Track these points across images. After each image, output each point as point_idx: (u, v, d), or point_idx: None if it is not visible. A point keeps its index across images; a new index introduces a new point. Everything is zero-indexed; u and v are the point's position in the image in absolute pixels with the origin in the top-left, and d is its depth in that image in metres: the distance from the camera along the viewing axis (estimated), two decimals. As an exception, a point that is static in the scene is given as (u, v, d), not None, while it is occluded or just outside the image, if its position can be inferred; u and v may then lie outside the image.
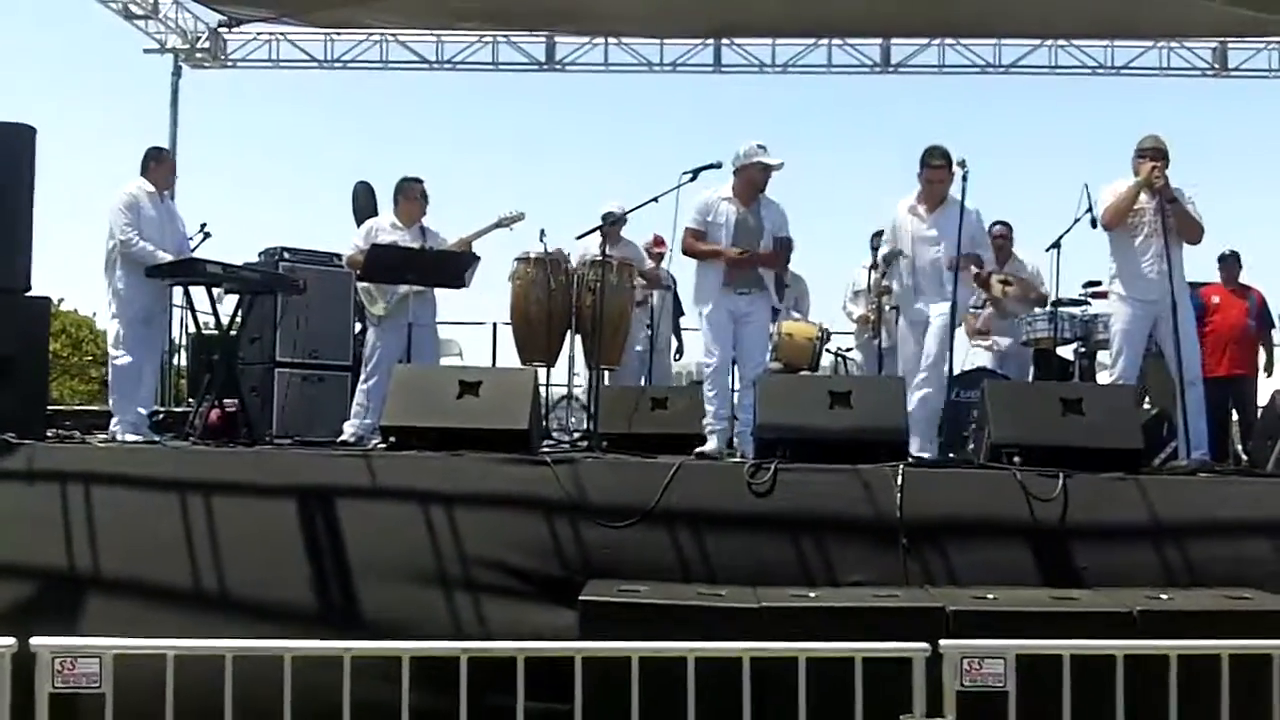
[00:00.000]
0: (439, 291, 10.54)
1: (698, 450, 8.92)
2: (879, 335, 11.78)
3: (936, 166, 9.33)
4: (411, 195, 10.60)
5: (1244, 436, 10.97)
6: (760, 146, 9.38)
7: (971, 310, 11.51)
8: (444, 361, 12.84)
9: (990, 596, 6.42)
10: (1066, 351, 11.55)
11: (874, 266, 12.14)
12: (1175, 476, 7.99)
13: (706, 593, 6.47)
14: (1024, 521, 7.08)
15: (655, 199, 9.33)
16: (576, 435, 10.84)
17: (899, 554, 6.95)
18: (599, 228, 10.50)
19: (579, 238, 10.76)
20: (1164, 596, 6.46)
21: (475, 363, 15.36)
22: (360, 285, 10.55)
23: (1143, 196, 9.01)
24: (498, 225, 10.58)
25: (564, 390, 13.12)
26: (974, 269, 9.39)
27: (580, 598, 6.32)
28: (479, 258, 10.52)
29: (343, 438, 10.08)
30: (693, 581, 6.85)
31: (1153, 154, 9.03)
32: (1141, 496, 7.17)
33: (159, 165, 10.08)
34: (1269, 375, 12.28)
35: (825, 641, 5.05)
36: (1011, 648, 4.87)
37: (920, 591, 6.67)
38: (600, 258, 10.43)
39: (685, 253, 9.59)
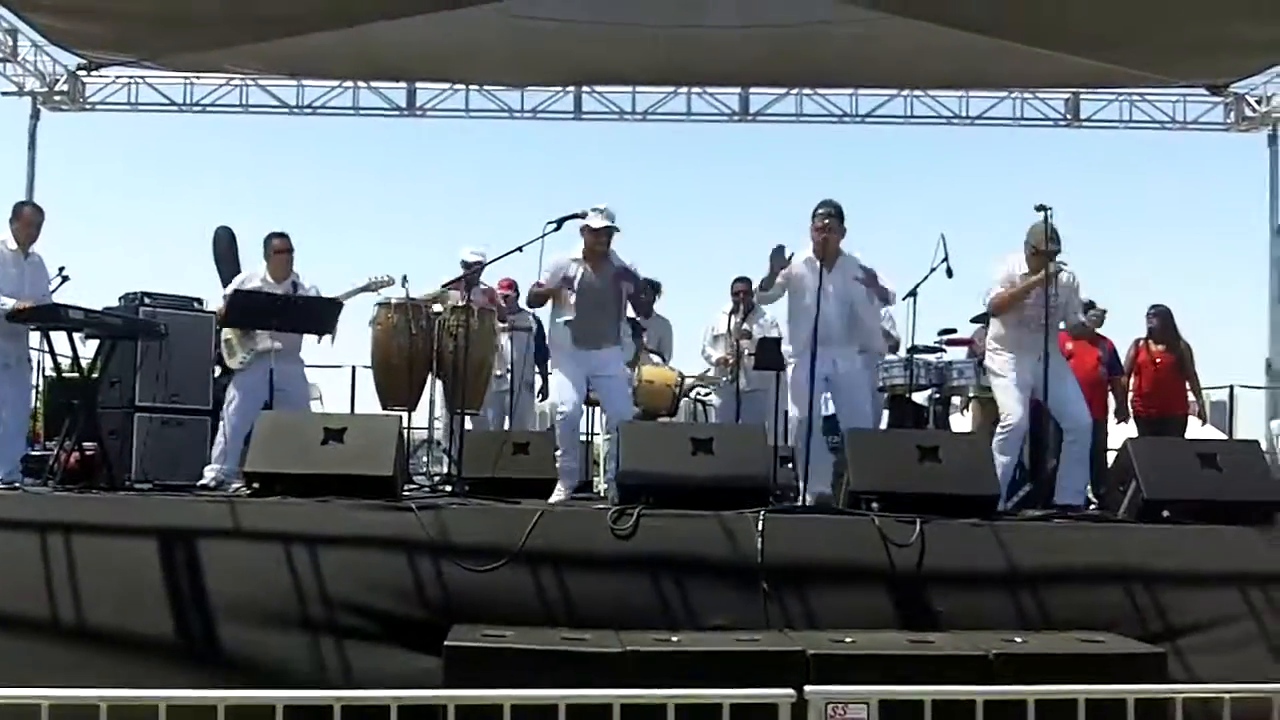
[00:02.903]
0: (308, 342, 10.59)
1: (552, 500, 9.04)
2: (737, 379, 11.95)
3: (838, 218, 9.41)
4: (278, 251, 10.61)
5: (1095, 481, 11.21)
6: (596, 210, 9.52)
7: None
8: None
9: (849, 640, 6.53)
10: (921, 397, 11.77)
11: (733, 311, 12.35)
12: (1029, 522, 8.16)
13: (571, 637, 6.53)
14: (882, 566, 7.21)
15: (520, 248, 9.38)
16: (439, 480, 10.84)
17: (760, 598, 7.05)
18: (463, 275, 10.55)
19: (445, 286, 10.82)
20: (1018, 640, 6.61)
21: (334, 406, 15.34)
22: (223, 337, 10.52)
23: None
24: (367, 288, 10.59)
25: (425, 434, 13.12)
26: None
27: (445, 643, 6.34)
28: (341, 304, 10.49)
29: (202, 482, 10.02)
30: (557, 625, 6.88)
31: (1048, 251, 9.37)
32: (996, 541, 7.34)
33: (18, 221, 10.03)
34: (1119, 421, 12.59)
35: (688, 685, 5.10)
36: (875, 693, 4.97)
37: (780, 635, 6.78)
38: (463, 303, 10.46)
39: (530, 303, 10.02)
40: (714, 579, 7.16)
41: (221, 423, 10.41)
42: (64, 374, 10.27)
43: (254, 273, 10.75)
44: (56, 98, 17.21)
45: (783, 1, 13.14)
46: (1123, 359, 12.77)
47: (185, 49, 15.62)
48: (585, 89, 17.56)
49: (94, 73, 17.05)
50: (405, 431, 9.35)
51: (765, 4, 13.37)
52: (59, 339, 9.90)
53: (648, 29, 14.26)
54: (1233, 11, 13.07)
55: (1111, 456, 10.04)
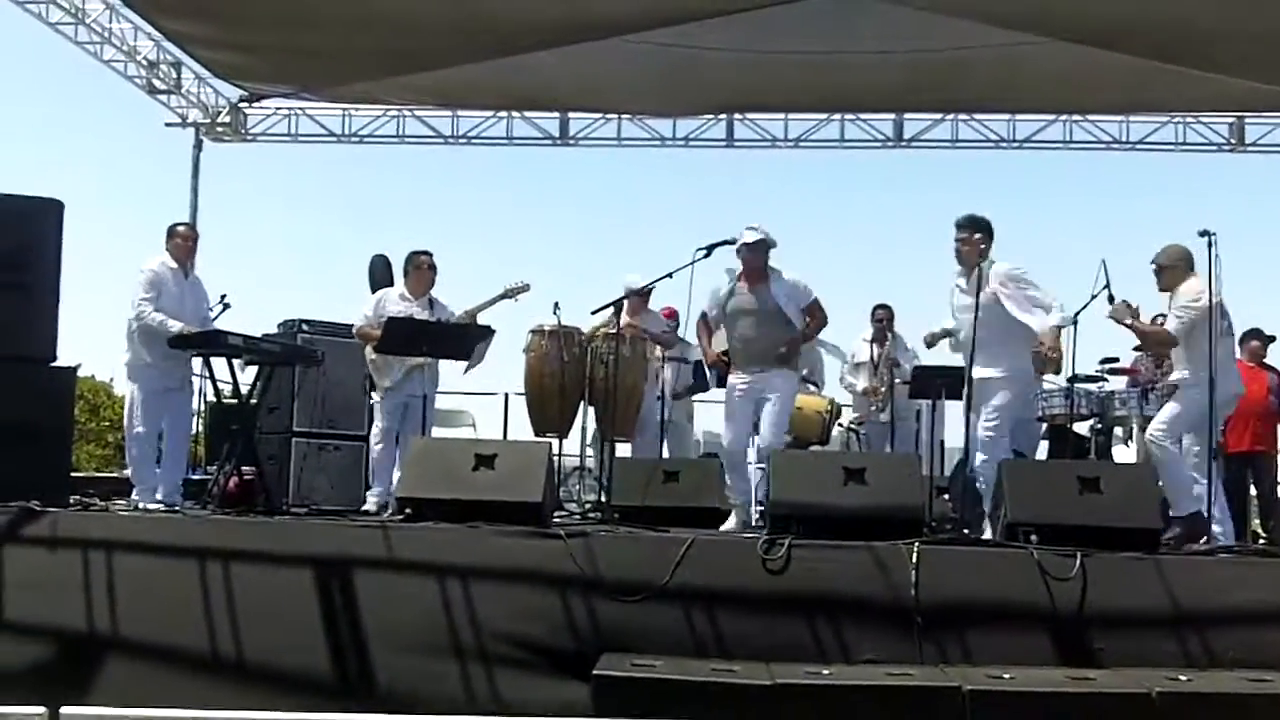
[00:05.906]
0: (446, 362, 10.69)
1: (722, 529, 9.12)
2: (891, 408, 11.84)
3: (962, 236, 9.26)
4: (421, 267, 10.72)
5: (1263, 513, 10.91)
6: (749, 228, 9.47)
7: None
8: (457, 433, 12.88)
9: (1006, 676, 6.37)
10: (1082, 428, 11.53)
11: (875, 340, 12.30)
12: (1194, 557, 7.93)
13: (720, 669, 6.45)
14: (1040, 601, 7.00)
15: (670, 274, 9.39)
16: (589, 507, 10.82)
17: (914, 632, 6.89)
18: (615, 301, 10.56)
19: (594, 312, 10.81)
20: (1183, 678, 6.40)
21: (487, 434, 15.41)
22: (370, 358, 10.60)
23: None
24: (504, 296, 10.65)
25: (577, 461, 13.12)
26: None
27: (594, 672, 6.32)
28: (493, 331, 10.58)
29: (365, 507, 10.19)
30: (706, 657, 6.79)
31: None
32: (1160, 577, 7.10)
33: (177, 240, 10.20)
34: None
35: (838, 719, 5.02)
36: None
37: (935, 670, 6.63)
38: (614, 330, 10.45)
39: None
40: (866, 611, 7.00)
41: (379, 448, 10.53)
42: (224, 399, 10.44)
43: (386, 293, 10.84)
44: (219, 128, 17.51)
45: (927, 26, 12.92)
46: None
47: (337, 81, 15.83)
48: (737, 116, 17.49)
49: (255, 104, 17.32)
50: (556, 458, 9.35)
51: (911, 29, 13.17)
52: (219, 365, 10.08)
53: (799, 56, 14.15)
54: None
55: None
